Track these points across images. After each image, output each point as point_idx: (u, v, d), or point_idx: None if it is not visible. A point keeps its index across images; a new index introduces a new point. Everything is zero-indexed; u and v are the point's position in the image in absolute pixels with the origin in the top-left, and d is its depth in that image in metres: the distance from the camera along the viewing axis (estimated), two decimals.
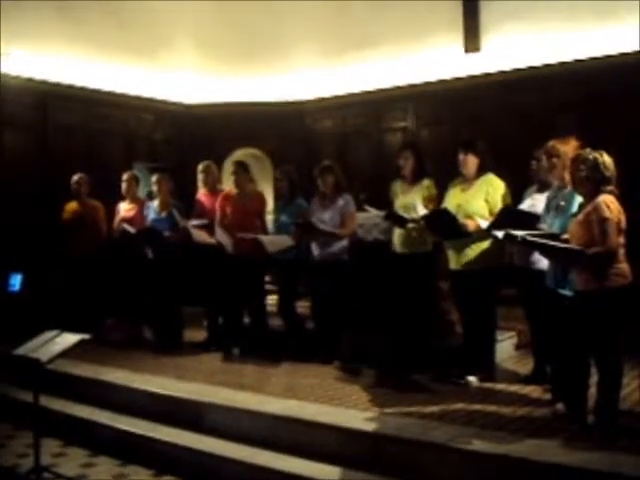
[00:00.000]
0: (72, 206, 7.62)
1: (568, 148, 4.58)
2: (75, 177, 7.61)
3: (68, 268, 7.47)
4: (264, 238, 6.24)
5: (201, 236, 6.72)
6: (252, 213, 6.59)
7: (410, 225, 5.60)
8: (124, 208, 7.54)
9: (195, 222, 6.84)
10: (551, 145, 4.70)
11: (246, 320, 6.84)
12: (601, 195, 4.01)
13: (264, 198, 6.88)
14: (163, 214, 7.09)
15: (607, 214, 3.93)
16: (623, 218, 4.01)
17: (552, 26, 8.27)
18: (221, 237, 6.50)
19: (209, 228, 6.70)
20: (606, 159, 4.07)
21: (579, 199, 4.38)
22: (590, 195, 4.07)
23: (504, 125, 8.39)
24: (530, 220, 4.65)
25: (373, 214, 6.01)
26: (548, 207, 4.68)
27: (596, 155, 4.06)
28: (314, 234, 6.07)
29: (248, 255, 6.34)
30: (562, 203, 4.52)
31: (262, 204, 6.77)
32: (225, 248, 6.55)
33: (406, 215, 5.59)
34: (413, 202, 5.57)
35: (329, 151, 9.68)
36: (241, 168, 6.80)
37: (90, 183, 7.67)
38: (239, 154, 10.34)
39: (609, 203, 3.96)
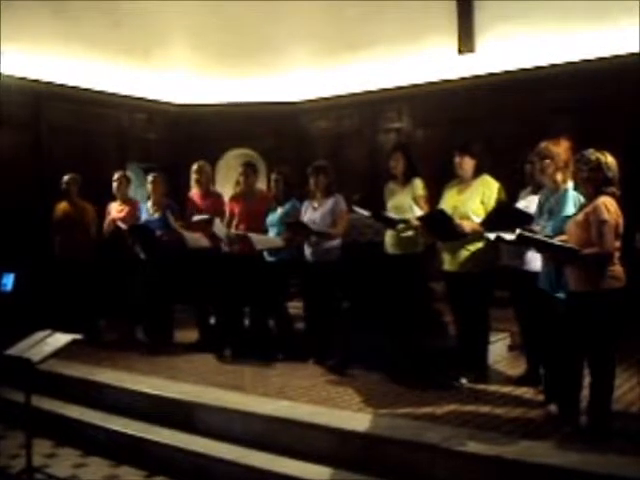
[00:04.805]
0: (62, 206, 7.59)
1: (560, 149, 4.57)
2: (65, 177, 7.58)
3: (59, 268, 7.46)
4: (253, 236, 6.24)
5: (196, 240, 6.70)
6: (260, 214, 6.56)
7: (400, 226, 5.61)
8: (115, 208, 7.52)
9: (197, 218, 6.82)
10: (543, 146, 4.66)
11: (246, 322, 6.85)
12: (601, 197, 4.00)
13: (271, 199, 6.77)
14: (156, 215, 7.07)
15: (606, 216, 3.92)
16: (621, 221, 4.01)
17: (547, 27, 8.28)
18: (219, 230, 6.49)
19: (210, 224, 6.66)
20: (609, 160, 4.04)
21: (572, 200, 4.39)
22: (591, 196, 4.06)
23: (498, 126, 8.39)
24: (524, 219, 4.65)
25: (361, 215, 6.03)
26: (540, 210, 4.66)
27: (599, 155, 4.04)
28: (305, 234, 6.07)
29: (245, 254, 6.36)
30: (554, 206, 4.51)
31: (269, 205, 6.67)
32: (222, 244, 6.59)
33: (395, 216, 5.60)
34: (407, 203, 5.60)
35: (323, 152, 9.67)
36: (250, 169, 6.81)
37: (81, 183, 7.64)
38: (233, 154, 10.34)
39: (609, 205, 3.95)
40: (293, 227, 6.14)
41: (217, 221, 6.54)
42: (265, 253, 6.37)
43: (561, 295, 4.27)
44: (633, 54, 7.58)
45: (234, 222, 6.71)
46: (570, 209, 4.35)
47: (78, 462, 5.11)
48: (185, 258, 6.93)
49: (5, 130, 8.16)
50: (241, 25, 10.12)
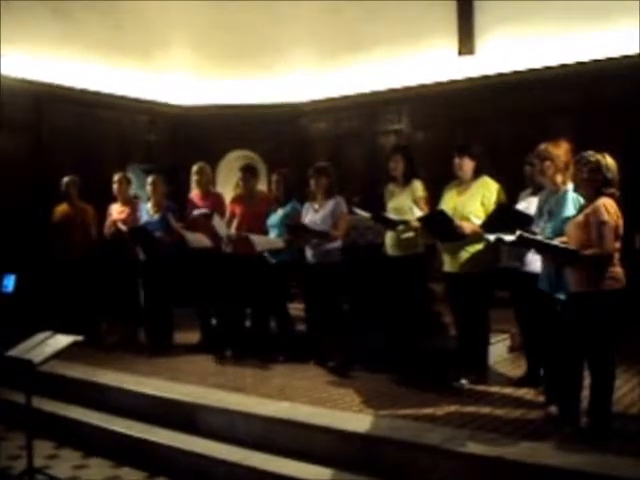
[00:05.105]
0: (62, 208, 7.61)
1: (560, 151, 4.58)
2: (65, 179, 7.61)
3: (59, 270, 7.47)
4: (254, 237, 6.25)
5: (198, 241, 6.70)
6: (261, 215, 6.57)
7: (400, 227, 5.62)
8: (116, 210, 7.52)
9: (197, 212, 6.83)
10: (543, 148, 4.66)
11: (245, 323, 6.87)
12: (601, 198, 4.01)
13: (272, 200, 6.77)
14: (156, 216, 7.08)
15: (605, 217, 3.93)
16: (621, 223, 4.02)
17: (546, 29, 8.29)
18: (219, 226, 6.50)
19: (209, 218, 6.65)
20: (609, 161, 4.05)
21: (572, 202, 4.39)
22: (591, 197, 4.07)
23: (498, 128, 8.40)
24: (524, 221, 4.66)
25: (361, 217, 6.03)
26: (540, 212, 4.66)
27: (599, 157, 4.05)
28: (306, 236, 6.08)
29: (245, 255, 6.37)
30: (554, 207, 4.51)
31: (270, 206, 6.67)
32: (223, 244, 6.62)
33: (395, 217, 5.61)
34: (407, 204, 5.61)
35: (323, 153, 9.68)
36: (248, 174, 6.80)
37: (80, 185, 7.67)
38: (233, 156, 10.34)
39: (609, 207, 3.96)
40: (293, 229, 6.14)
41: (217, 217, 6.55)
42: (267, 254, 6.38)
43: (561, 296, 4.27)
44: (633, 55, 7.59)
45: (235, 224, 6.71)
46: (570, 210, 4.35)
47: (79, 463, 5.12)
48: (186, 259, 6.94)
49: (6, 132, 8.16)
50: (242, 27, 10.13)
